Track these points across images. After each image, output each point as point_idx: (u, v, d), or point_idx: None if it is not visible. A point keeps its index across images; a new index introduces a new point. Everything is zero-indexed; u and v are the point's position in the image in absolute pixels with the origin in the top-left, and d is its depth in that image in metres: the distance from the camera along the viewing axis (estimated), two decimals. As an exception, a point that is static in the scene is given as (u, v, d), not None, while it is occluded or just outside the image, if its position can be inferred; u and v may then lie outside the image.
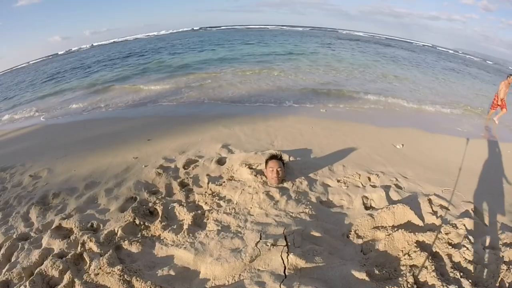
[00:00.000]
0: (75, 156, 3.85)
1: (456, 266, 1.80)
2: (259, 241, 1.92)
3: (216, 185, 2.74)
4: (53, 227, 2.35)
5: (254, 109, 5.74)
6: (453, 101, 7.56)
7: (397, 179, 2.90)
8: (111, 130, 4.93)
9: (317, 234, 1.99)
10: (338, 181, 2.86)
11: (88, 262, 1.87)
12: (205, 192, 2.68)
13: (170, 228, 2.19)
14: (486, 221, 2.31)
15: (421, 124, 5.10)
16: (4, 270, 1.96)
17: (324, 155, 3.43)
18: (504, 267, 1.72)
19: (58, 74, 17.12)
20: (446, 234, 2.04)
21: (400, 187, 2.79)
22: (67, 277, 1.74)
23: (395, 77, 10.38)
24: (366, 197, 2.58)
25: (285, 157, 3.10)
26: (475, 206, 2.49)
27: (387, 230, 2.05)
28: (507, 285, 1.65)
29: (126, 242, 2.07)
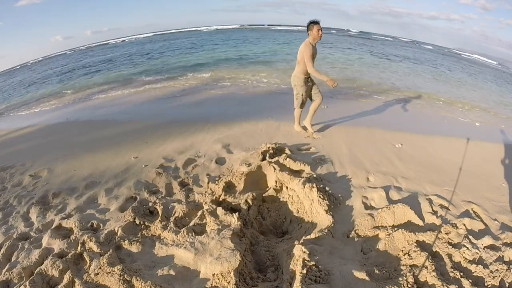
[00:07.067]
0: (75, 156, 3.85)
1: (456, 266, 1.80)
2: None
3: (216, 184, 2.74)
4: (53, 226, 2.35)
5: (254, 106, 5.72)
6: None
7: (397, 179, 2.90)
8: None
9: (317, 234, 1.99)
10: (337, 180, 2.87)
11: (88, 261, 1.87)
12: (205, 191, 2.68)
13: (170, 227, 2.19)
14: (486, 221, 2.31)
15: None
16: (4, 270, 1.96)
17: (324, 155, 3.43)
18: (504, 267, 1.72)
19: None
20: (446, 234, 2.04)
21: (400, 187, 2.78)
22: (67, 276, 1.74)
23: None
24: (366, 197, 2.58)
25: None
26: (475, 206, 2.49)
27: (387, 229, 2.05)
28: (507, 285, 1.65)
29: (126, 241, 2.07)
